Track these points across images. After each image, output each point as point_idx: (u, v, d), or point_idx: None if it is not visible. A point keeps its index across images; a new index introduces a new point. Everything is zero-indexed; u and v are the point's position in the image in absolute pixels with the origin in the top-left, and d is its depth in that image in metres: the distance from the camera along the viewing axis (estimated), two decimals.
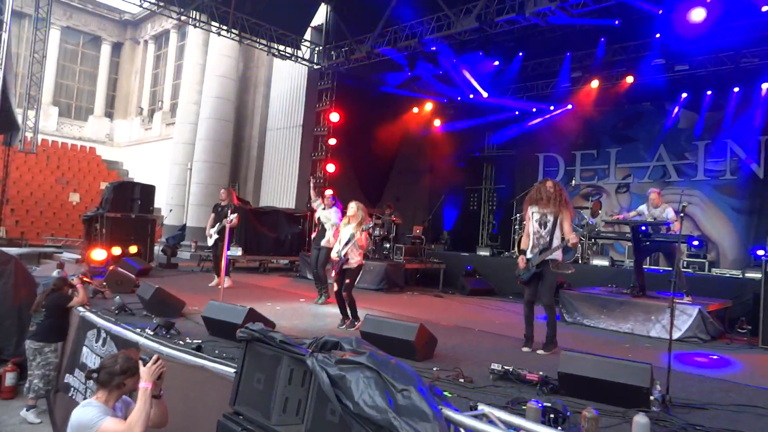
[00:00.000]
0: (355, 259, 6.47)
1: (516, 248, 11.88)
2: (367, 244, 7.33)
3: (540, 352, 5.54)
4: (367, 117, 13.95)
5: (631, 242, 8.30)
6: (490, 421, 2.35)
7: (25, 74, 18.76)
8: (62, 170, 22.51)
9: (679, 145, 12.74)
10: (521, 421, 2.39)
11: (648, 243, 7.80)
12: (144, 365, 3.05)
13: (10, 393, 7.10)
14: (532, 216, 5.75)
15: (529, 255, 5.69)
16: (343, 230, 6.65)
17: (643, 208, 8.04)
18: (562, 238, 5.55)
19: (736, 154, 11.90)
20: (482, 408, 2.46)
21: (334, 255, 6.58)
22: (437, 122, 15.66)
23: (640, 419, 2.79)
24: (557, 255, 5.61)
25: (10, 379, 7.13)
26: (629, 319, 7.20)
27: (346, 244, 6.43)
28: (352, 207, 6.62)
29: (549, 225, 5.59)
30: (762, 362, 5.79)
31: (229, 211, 8.26)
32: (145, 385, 2.98)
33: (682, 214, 4.34)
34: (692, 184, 12.37)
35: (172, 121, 22.09)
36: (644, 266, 8.42)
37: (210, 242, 9.46)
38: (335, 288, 6.62)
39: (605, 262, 10.48)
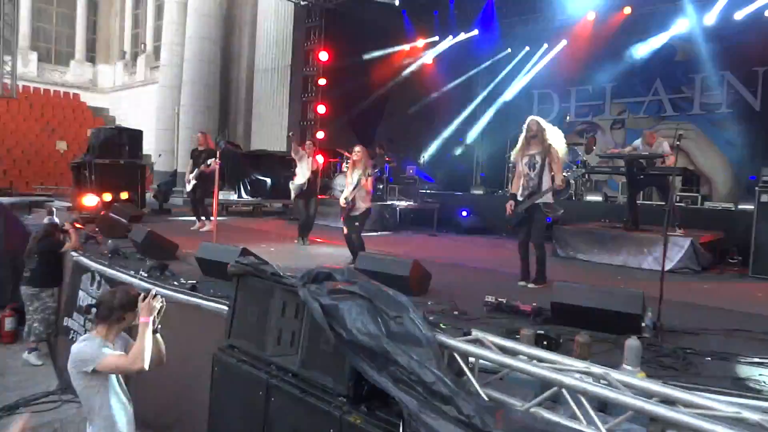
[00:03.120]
0: (362, 204, 6.46)
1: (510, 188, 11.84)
2: (374, 189, 7.35)
3: (530, 285, 5.61)
4: (357, 56, 13.51)
5: (625, 176, 8.26)
6: (484, 346, 2.36)
7: None
8: (47, 118, 21.98)
9: (676, 78, 12.48)
10: (514, 344, 2.40)
11: (642, 177, 7.78)
12: (143, 301, 3.06)
13: (11, 337, 7.21)
14: (522, 159, 5.66)
15: (519, 198, 5.63)
16: (349, 176, 6.60)
17: (638, 142, 7.97)
18: (552, 181, 5.43)
19: (733, 86, 11.69)
20: (476, 333, 2.47)
21: (342, 201, 6.56)
22: (429, 60, 15.25)
23: (632, 342, 2.82)
24: (548, 198, 5.52)
25: (9, 323, 7.23)
26: (622, 252, 7.25)
27: (353, 189, 6.39)
28: (357, 151, 6.52)
29: (537, 167, 5.48)
30: (752, 290, 5.89)
31: (212, 159, 8.09)
32: (144, 319, 2.99)
33: (678, 142, 4.25)
34: (687, 119, 12.19)
35: (157, 65, 21.43)
36: (638, 201, 8.43)
37: (188, 188, 9.25)
38: (345, 231, 6.63)
39: (599, 198, 10.50)
